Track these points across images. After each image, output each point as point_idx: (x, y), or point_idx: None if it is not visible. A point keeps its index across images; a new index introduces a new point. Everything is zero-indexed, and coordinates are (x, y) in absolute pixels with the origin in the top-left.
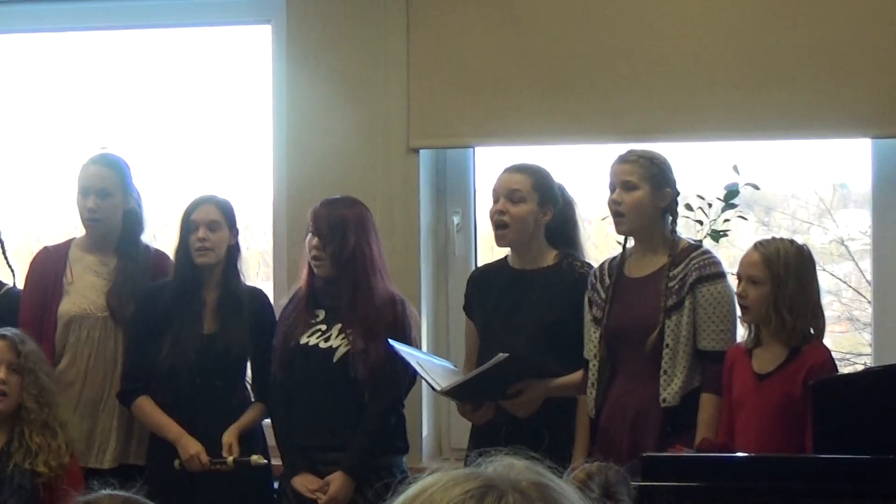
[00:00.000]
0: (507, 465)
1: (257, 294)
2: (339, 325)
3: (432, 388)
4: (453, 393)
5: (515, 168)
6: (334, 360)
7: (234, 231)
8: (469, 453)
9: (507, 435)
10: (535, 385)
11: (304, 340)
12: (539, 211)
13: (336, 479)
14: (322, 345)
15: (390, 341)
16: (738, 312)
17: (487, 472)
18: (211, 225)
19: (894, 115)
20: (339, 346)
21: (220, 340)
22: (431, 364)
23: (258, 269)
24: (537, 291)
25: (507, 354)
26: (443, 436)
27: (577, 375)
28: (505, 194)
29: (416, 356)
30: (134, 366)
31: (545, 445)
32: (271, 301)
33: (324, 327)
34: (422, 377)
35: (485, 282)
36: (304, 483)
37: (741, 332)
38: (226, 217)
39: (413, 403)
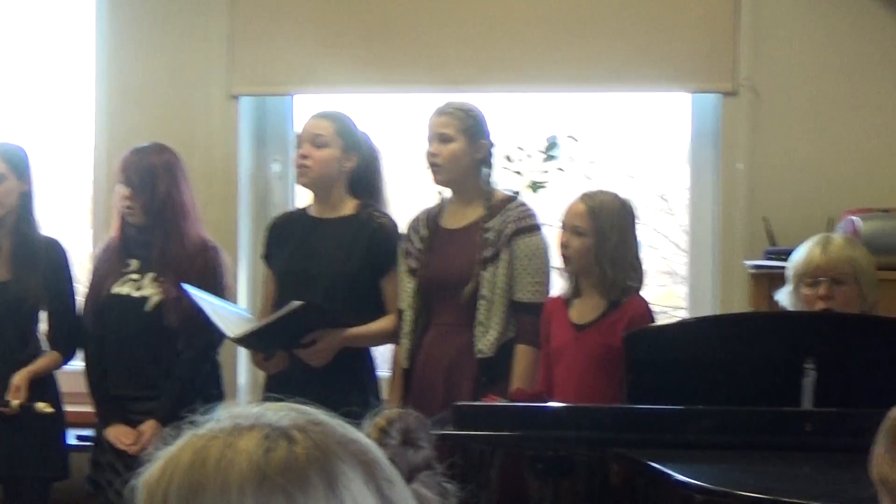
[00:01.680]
0: (276, 411)
1: (53, 244)
2: (152, 274)
3: (225, 335)
4: (246, 341)
5: (320, 114)
6: (147, 308)
7: (24, 180)
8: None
9: (302, 384)
10: (329, 335)
11: (116, 290)
12: (342, 156)
13: (149, 428)
14: (134, 294)
15: (184, 286)
16: (559, 262)
17: (282, 418)
18: None
19: (712, 70)
20: (152, 294)
21: (14, 289)
22: (226, 311)
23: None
24: (335, 240)
25: (301, 302)
26: (259, 384)
27: (374, 325)
28: (308, 139)
29: (209, 302)
30: None
31: (342, 393)
32: (66, 251)
33: (136, 276)
34: (214, 324)
35: (283, 229)
36: (117, 434)
37: (560, 284)
38: (12, 167)
39: (230, 351)
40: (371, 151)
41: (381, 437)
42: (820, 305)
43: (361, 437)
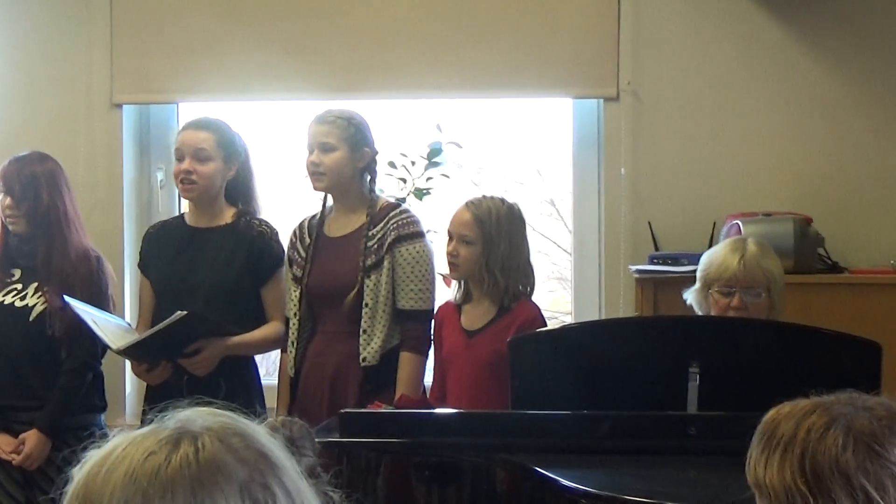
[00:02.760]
0: (190, 414)
1: None
2: (35, 284)
3: (108, 346)
4: (129, 352)
5: (196, 125)
6: (31, 318)
7: None
8: (146, 409)
9: (187, 392)
10: (213, 343)
11: None
12: (224, 168)
13: (31, 438)
14: (18, 303)
15: (65, 297)
16: (448, 270)
17: (174, 423)
18: None
19: (594, 76)
20: (36, 304)
21: None
22: (106, 322)
23: None
24: (215, 250)
25: (184, 312)
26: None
27: (257, 333)
28: (190, 154)
29: (91, 314)
30: None
31: (227, 401)
32: None
33: (20, 286)
34: (97, 335)
35: (160, 239)
36: None
37: (448, 291)
38: None
39: (115, 361)
40: (244, 152)
41: None
42: (731, 314)
43: (279, 458)
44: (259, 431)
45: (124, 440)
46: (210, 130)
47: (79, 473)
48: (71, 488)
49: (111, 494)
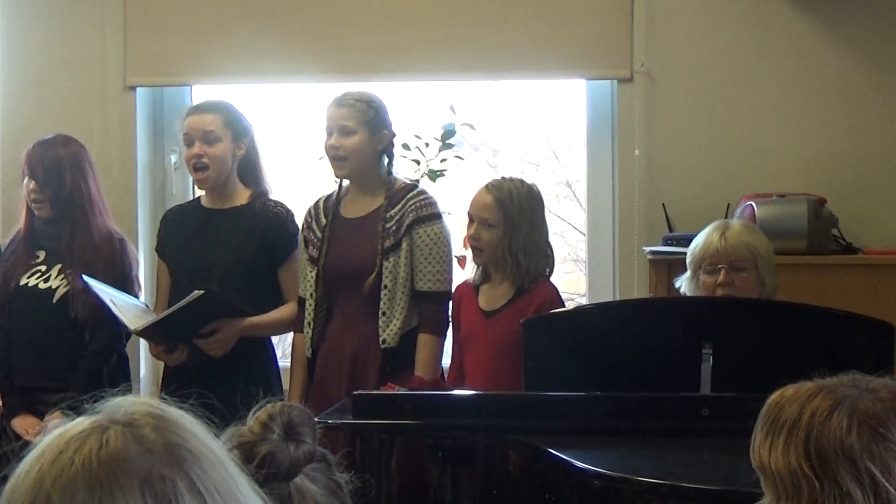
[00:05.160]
0: (118, 402)
1: None
2: (59, 266)
3: (125, 327)
4: (146, 333)
5: (203, 108)
6: (54, 300)
7: None
8: (162, 391)
9: (203, 375)
10: (229, 324)
11: (23, 282)
12: (234, 147)
13: (55, 420)
14: (42, 286)
15: (84, 277)
16: (469, 253)
17: (96, 416)
18: None
19: (608, 57)
20: (59, 286)
21: None
22: (125, 303)
23: None
24: (231, 231)
25: (200, 292)
26: (160, 376)
27: (273, 314)
28: (199, 137)
29: (109, 294)
30: None
31: (244, 383)
32: None
33: (43, 268)
34: (115, 316)
35: (177, 221)
36: (23, 424)
37: (466, 271)
38: None
39: (131, 343)
40: (252, 132)
41: (263, 431)
42: (720, 292)
43: (196, 448)
44: (181, 420)
45: (49, 438)
46: (216, 112)
47: (11, 474)
48: (4, 489)
49: (21, 499)
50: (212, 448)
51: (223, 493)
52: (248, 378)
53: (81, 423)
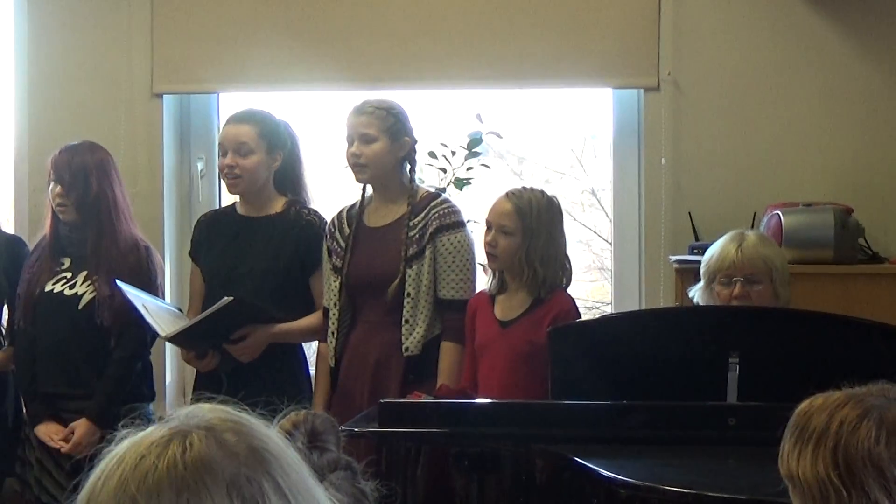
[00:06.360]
0: (192, 410)
1: (14, 241)
2: (85, 273)
3: (157, 333)
4: (177, 339)
5: (238, 118)
6: (80, 307)
7: None
8: (193, 397)
9: (234, 382)
10: (259, 330)
11: (48, 288)
12: (268, 159)
13: (80, 426)
14: (67, 292)
15: (117, 282)
16: (485, 260)
17: (172, 422)
18: None
19: (634, 66)
20: (85, 293)
21: None
22: (157, 308)
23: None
24: (264, 239)
25: (231, 298)
26: (187, 383)
27: (303, 322)
28: (233, 148)
29: (142, 299)
30: None
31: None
32: (26, 247)
33: (69, 274)
34: (147, 321)
35: (212, 228)
36: (47, 431)
37: (485, 280)
38: None
39: (157, 350)
40: (292, 141)
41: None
42: (735, 304)
43: (277, 452)
44: (257, 425)
45: (126, 444)
46: (251, 123)
47: (87, 480)
48: (80, 496)
49: (106, 494)
50: (288, 451)
51: (304, 494)
52: (279, 385)
53: (158, 429)
